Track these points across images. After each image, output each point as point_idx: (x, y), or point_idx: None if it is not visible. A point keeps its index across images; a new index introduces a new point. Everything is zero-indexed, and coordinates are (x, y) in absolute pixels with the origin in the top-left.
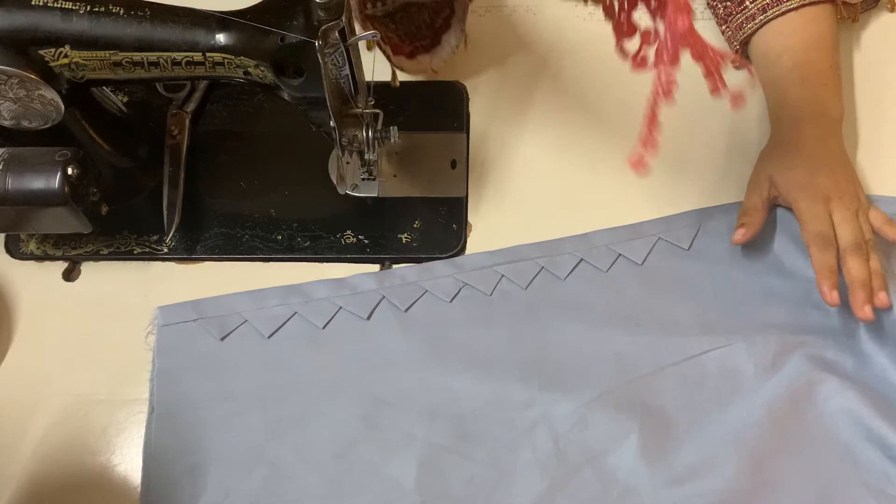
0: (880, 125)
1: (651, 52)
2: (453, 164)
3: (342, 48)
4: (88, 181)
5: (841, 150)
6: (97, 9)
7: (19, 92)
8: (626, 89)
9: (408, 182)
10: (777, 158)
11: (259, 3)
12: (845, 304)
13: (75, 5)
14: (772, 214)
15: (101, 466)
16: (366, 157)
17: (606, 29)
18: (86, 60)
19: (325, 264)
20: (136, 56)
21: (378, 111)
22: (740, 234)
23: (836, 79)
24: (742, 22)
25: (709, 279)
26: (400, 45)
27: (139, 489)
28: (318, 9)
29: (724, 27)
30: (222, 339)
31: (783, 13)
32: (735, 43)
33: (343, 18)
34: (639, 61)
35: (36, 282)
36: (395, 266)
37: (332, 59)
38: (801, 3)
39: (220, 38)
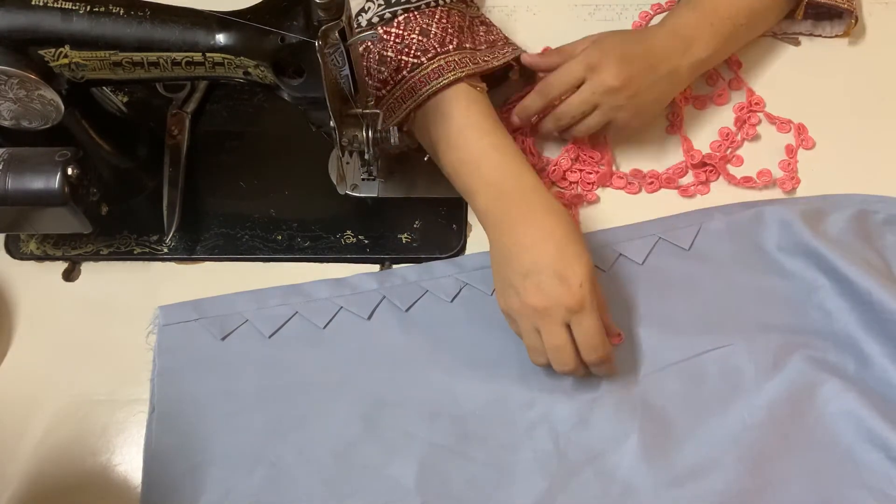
0: (880, 125)
1: None
2: None
3: (342, 48)
4: (88, 181)
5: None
6: (97, 9)
7: (19, 92)
8: None
9: (408, 182)
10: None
11: (259, 3)
12: (845, 305)
13: (75, 5)
14: (771, 214)
15: (101, 466)
16: (366, 157)
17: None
18: (86, 60)
19: (325, 264)
20: (136, 56)
21: (378, 111)
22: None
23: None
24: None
25: (709, 279)
26: None
27: (139, 489)
28: (318, 9)
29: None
30: (223, 338)
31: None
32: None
33: (343, 18)
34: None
35: (36, 282)
36: (395, 266)
37: (332, 60)
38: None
39: (220, 38)
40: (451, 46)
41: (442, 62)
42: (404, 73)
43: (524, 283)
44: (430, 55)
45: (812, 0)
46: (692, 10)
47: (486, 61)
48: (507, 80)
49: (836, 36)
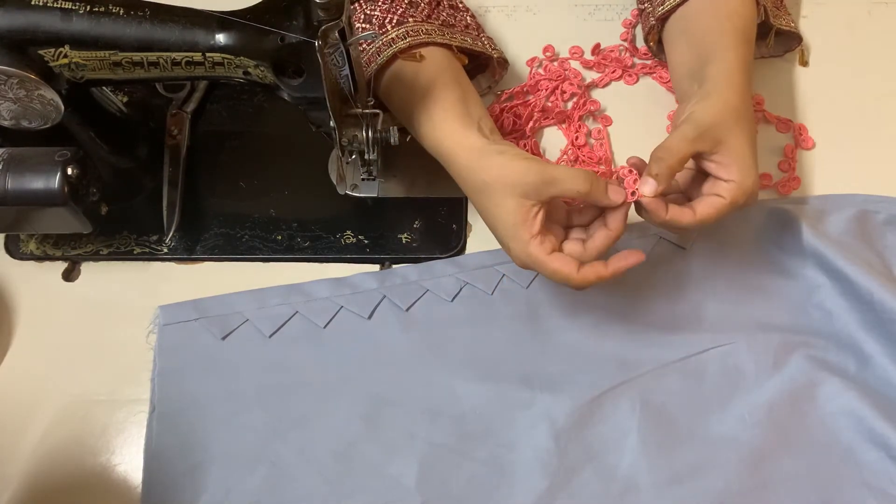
0: (880, 125)
1: None
2: None
3: (342, 48)
4: (88, 181)
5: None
6: (97, 9)
7: (19, 92)
8: (626, 89)
9: (408, 182)
10: (736, 126)
11: (259, 3)
12: (846, 304)
13: (75, 5)
14: (772, 214)
15: (101, 466)
16: (366, 157)
17: (606, 28)
18: (85, 60)
19: (325, 264)
20: (136, 56)
21: (378, 111)
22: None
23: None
24: None
25: (710, 279)
26: None
27: (139, 489)
28: (318, 9)
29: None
30: (223, 338)
31: None
32: (653, 18)
33: (343, 18)
34: None
35: (36, 282)
36: (395, 266)
37: (332, 59)
38: None
39: (220, 38)
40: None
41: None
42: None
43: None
44: (393, 24)
45: (779, 30)
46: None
47: (453, 38)
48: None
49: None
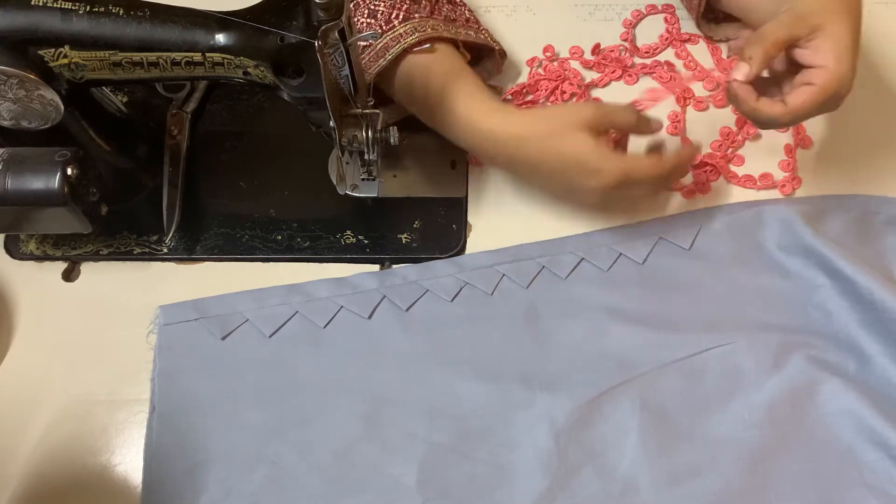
0: (881, 125)
1: None
2: (453, 164)
3: (342, 48)
4: (88, 181)
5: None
6: (97, 9)
7: (19, 92)
8: (626, 89)
9: (408, 182)
10: (838, 14)
11: (259, 3)
12: (846, 304)
13: (75, 5)
14: (771, 214)
15: (101, 466)
16: (366, 157)
17: (606, 28)
18: (85, 61)
19: (324, 264)
20: (136, 56)
21: (378, 111)
22: (743, 72)
23: None
24: None
25: (710, 279)
26: None
27: (139, 489)
28: (318, 9)
29: None
30: (223, 338)
31: None
32: None
33: (343, 18)
34: None
35: (36, 282)
36: (395, 266)
37: (332, 60)
38: None
39: (220, 38)
40: (417, 16)
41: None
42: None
43: (573, 180)
44: (400, 19)
45: None
46: None
47: (457, 32)
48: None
49: None
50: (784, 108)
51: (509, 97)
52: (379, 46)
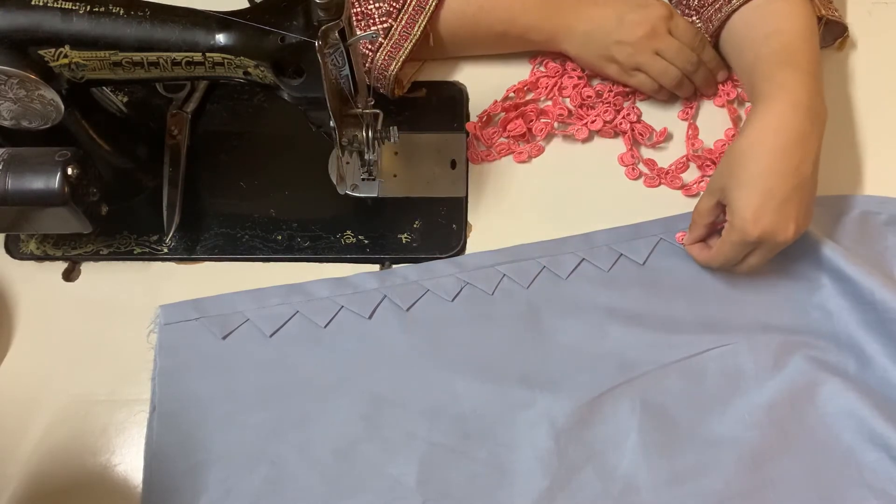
0: (881, 125)
1: None
2: (453, 164)
3: (342, 48)
4: (88, 181)
5: (815, 167)
6: (97, 9)
7: (19, 92)
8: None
9: (408, 182)
10: (736, 169)
11: (259, 3)
12: (847, 304)
13: (75, 5)
14: None
15: (101, 466)
16: (366, 157)
17: None
18: (86, 60)
19: (325, 264)
20: (136, 56)
21: (378, 111)
22: (681, 237)
23: (820, 76)
24: (721, 4)
25: (710, 279)
26: None
27: (140, 489)
28: (318, 9)
29: (695, 17)
30: (224, 337)
31: None
32: (711, 26)
33: (343, 18)
34: None
35: (36, 282)
36: (395, 266)
37: (332, 59)
38: None
39: (220, 38)
40: None
41: None
42: None
43: (622, 29)
44: None
45: (828, 19)
46: (789, 69)
47: None
48: None
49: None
50: (709, 253)
51: (511, 95)
52: (407, 15)
